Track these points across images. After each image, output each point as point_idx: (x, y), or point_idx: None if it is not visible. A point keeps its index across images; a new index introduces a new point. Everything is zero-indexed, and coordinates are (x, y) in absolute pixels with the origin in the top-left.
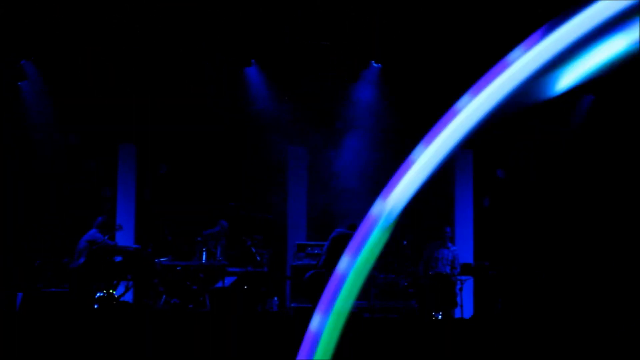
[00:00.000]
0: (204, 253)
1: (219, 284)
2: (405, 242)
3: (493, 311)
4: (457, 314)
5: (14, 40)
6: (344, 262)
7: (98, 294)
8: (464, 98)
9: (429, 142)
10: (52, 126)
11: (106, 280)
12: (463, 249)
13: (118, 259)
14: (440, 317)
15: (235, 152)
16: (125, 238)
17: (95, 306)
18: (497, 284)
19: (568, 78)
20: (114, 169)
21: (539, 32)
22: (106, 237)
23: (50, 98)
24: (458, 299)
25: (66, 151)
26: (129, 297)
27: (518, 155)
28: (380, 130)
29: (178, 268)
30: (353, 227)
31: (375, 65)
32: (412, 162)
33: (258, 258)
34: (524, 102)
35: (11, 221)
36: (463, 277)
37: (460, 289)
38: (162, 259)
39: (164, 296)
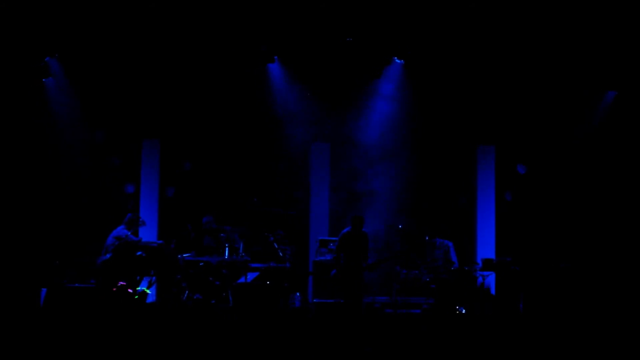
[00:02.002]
0: (227, 249)
1: (242, 280)
2: (427, 238)
3: (515, 307)
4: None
5: (39, 37)
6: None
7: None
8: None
9: None
10: (76, 122)
11: (130, 276)
12: (485, 243)
13: (139, 254)
14: (464, 311)
15: (258, 148)
16: (148, 234)
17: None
18: (519, 279)
19: None
20: (138, 165)
21: None
22: (129, 233)
23: (74, 94)
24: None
25: (90, 147)
26: (152, 292)
27: (540, 150)
28: (403, 126)
29: (201, 264)
30: (355, 219)
31: (398, 61)
32: None
33: (280, 254)
34: None
35: (35, 218)
36: (485, 273)
37: (482, 284)
38: (185, 255)
39: (187, 292)
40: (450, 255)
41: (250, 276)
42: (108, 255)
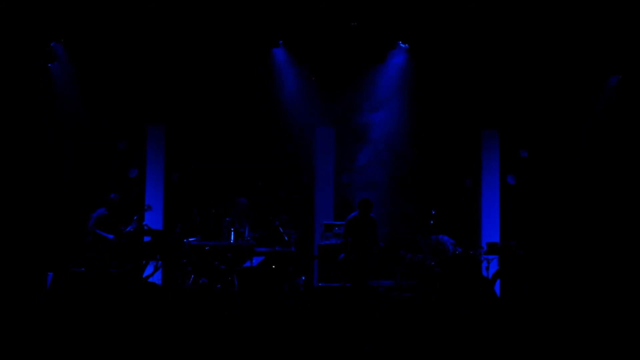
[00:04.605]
0: (232, 233)
1: (247, 264)
2: (431, 222)
3: (520, 294)
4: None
5: (44, 22)
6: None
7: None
8: None
9: None
10: (80, 107)
11: (137, 261)
12: (490, 227)
13: (147, 239)
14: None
15: (263, 133)
16: (154, 219)
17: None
18: (524, 263)
19: None
20: (143, 150)
21: None
22: (93, 219)
23: (79, 80)
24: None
25: (95, 132)
26: (157, 277)
27: (544, 134)
28: (408, 110)
29: (206, 248)
30: (364, 202)
31: (402, 45)
32: None
33: (286, 238)
34: None
35: (40, 203)
36: (489, 256)
37: (487, 268)
38: (190, 239)
39: (192, 276)
40: (448, 250)
41: (256, 260)
42: (89, 238)
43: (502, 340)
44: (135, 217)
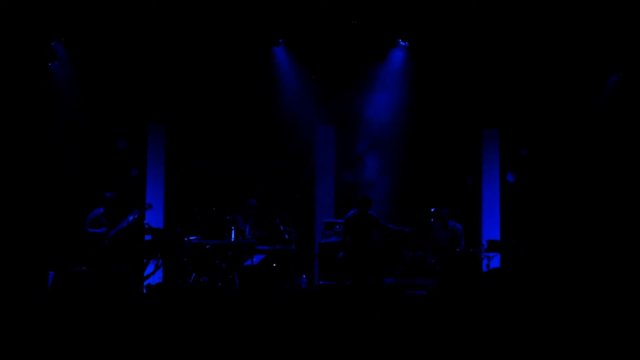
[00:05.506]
0: (233, 231)
1: (248, 262)
2: (432, 220)
3: (520, 289)
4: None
5: (44, 21)
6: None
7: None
8: None
9: None
10: (81, 106)
11: (137, 259)
12: (490, 225)
13: (148, 237)
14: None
15: (263, 131)
16: (154, 218)
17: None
18: (525, 261)
19: None
20: (144, 149)
21: None
22: (89, 219)
23: (79, 79)
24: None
25: (95, 131)
26: (158, 276)
27: (544, 133)
28: (409, 109)
29: (207, 247)
30: (362, 200)
31: (402, 43)
32: None
33: (286, 236)
34: None
35: (41, 202)
36: (490, 254)
37: (487, 266)
38: (191, 238)
39: (193, 274)
40: (460, 238)
41: (257, 259)
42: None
43: (502, 340)
44: (135, 215)
